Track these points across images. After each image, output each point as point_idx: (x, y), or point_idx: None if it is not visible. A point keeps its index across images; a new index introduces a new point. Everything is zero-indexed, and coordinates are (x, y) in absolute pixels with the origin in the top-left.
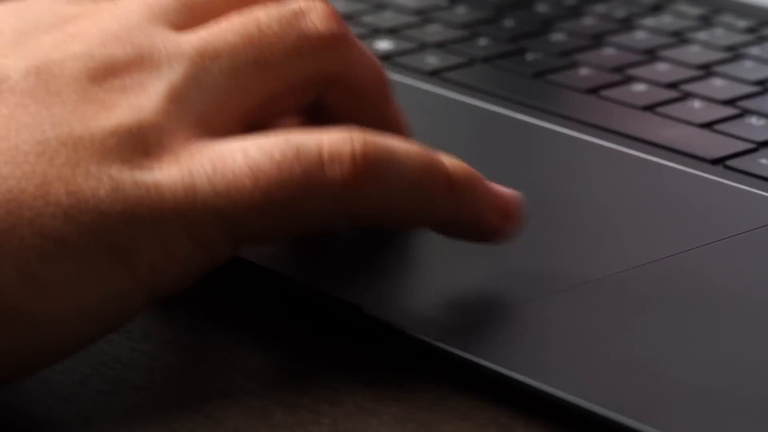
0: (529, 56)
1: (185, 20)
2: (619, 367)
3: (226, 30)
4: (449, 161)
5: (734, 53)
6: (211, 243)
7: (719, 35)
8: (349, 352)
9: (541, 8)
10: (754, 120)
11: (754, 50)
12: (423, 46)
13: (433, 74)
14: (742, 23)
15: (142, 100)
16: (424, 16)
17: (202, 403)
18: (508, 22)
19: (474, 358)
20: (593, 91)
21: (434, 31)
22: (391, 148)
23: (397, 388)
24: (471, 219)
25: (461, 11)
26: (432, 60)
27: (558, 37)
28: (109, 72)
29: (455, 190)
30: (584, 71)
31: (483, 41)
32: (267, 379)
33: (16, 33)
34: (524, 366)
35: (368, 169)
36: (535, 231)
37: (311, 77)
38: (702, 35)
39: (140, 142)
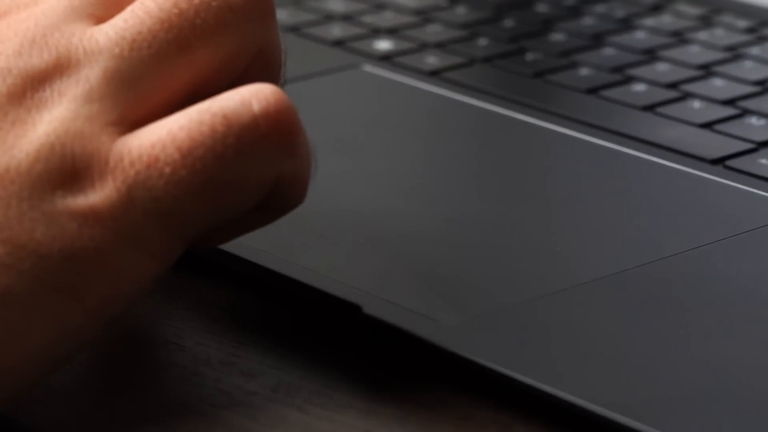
0: (529, 56)
1: (108, 10)
2: (619, 367)
3: (142, 17)
4: None
5: (734, 53)
6: (161, 251)
7: (719, 35)
8: (348, 352)
9: (541, 8)
10: (754, 120)
11: (754, 50)
12: (423, 46)
13: (433, 74)
14: (742, 23)
15: (61, 110)
16: (424, 16)
17: (202, 403)
18: (508, 22)
19: (474, 358)
20: (593, 91)
21: (434, 31)
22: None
23: (396, 388)
24: None
25: (461, 11)
26: (432, 60)
27: (558, 37)
28: (28, 85)
29: None
30: (584, 71)
31: (483, 41)
32: (267, 379)
33: None
34: (524, 366)
35: (290, 119)
36: (534, 231)
37: (240, 48)
38: (702, 35)
39: (66, 158)
